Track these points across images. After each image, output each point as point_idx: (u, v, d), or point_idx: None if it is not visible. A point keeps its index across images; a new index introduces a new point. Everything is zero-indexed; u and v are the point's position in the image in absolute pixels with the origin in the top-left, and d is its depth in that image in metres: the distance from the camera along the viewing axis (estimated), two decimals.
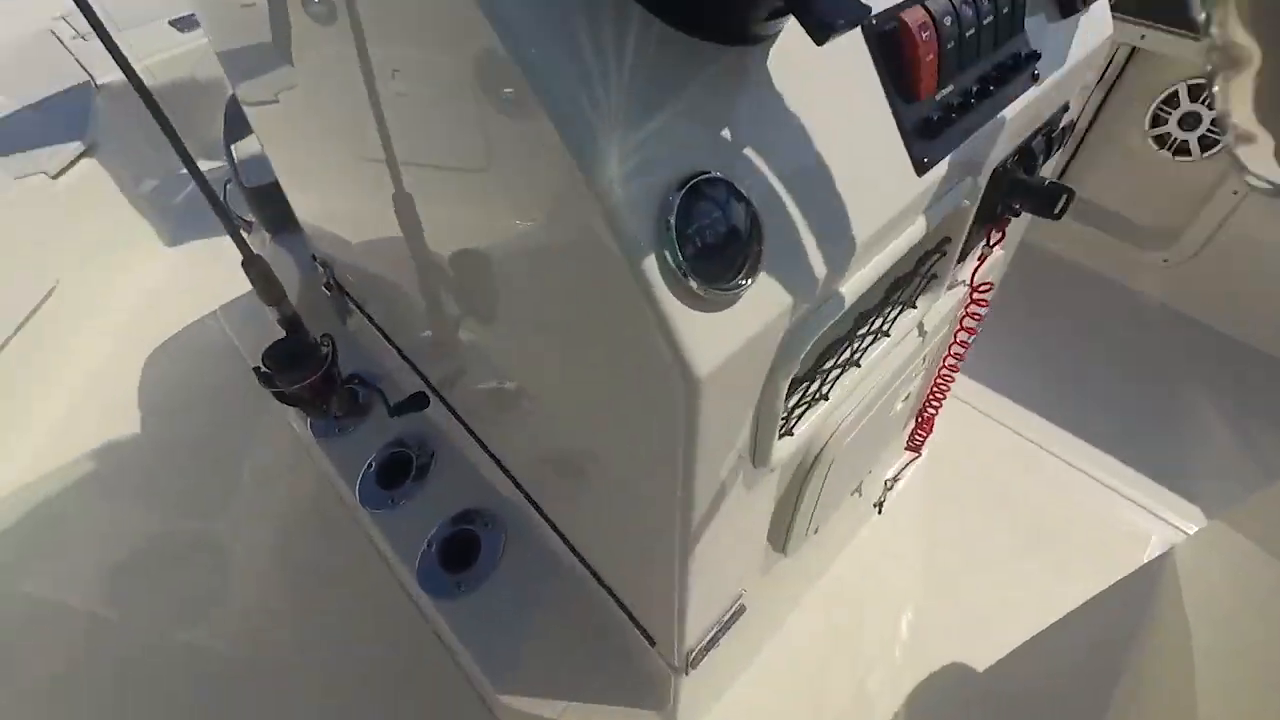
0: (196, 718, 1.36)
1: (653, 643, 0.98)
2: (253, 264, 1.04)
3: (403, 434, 1.43)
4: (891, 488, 1.45)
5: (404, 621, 1.39)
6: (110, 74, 2.53)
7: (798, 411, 0.69)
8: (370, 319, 1.41)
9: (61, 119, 2.38)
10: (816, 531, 0.97)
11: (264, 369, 1.12)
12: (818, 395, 0.71)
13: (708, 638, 0.93)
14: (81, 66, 2.52)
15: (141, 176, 2.56)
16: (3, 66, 2.45)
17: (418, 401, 1.33)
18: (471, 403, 1.12)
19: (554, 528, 1.08)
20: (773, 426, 0.62)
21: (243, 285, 1.16)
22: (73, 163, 2.26)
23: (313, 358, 1.15)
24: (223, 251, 1.21)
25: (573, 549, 1.05)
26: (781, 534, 0.89)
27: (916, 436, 1.31)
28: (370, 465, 1.41)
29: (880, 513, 1.46)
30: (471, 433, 1.20)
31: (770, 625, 1.35)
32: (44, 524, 1.77)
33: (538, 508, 1.11)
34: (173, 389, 2.05)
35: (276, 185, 1.31)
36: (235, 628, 1.49)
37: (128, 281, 2.36)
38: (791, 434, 0.69)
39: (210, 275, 2.30)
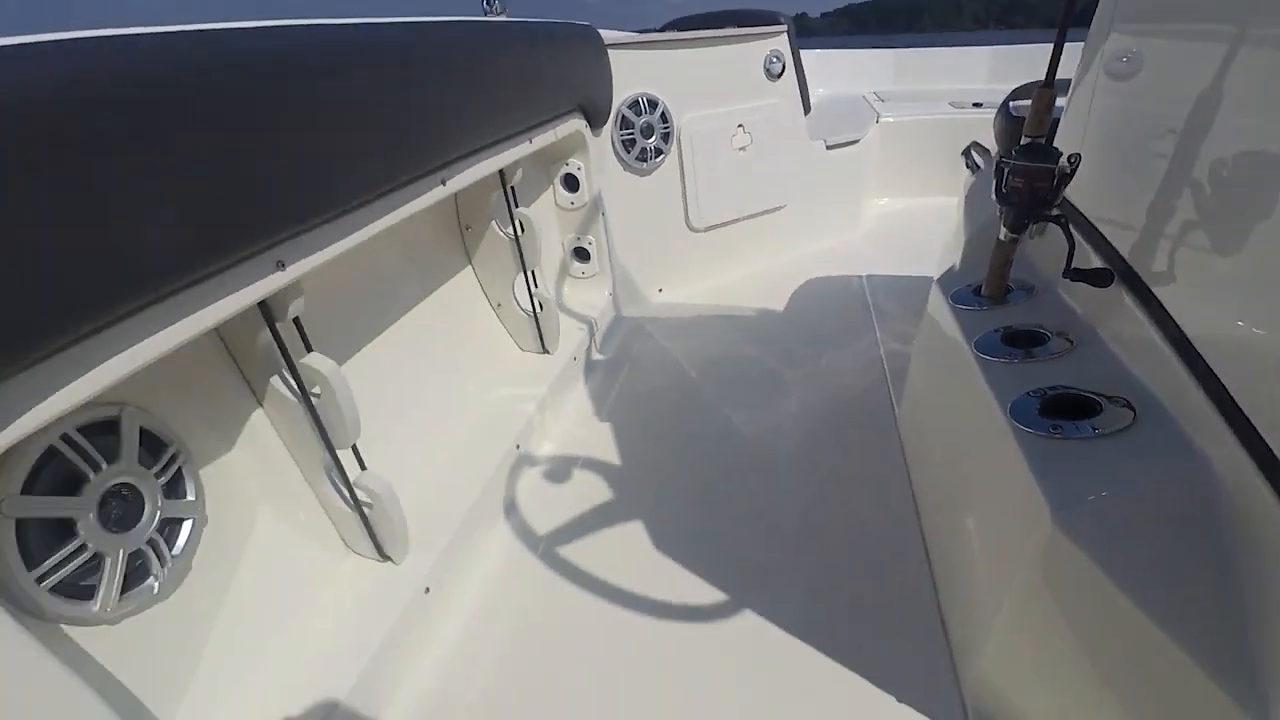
0: (703, 493, 1.63)
1: None
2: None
3: (1040, 321, 1.33)
4: None
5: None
6: None
7: None
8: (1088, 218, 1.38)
9: None
10: None
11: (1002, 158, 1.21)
12: None
13: None
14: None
15: None
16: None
17: (1100, 276, 1.22)
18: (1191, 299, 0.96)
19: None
20: None
21: None
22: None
23: (1050, 158, 1.18)
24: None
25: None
26: None
27: None
28: (998, 330, 1.35)
29: None
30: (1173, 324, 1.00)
31: None
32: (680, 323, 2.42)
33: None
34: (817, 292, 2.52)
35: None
36: (758, 424, 1.79)
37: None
38: None
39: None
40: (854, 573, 1.33)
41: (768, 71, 2.62)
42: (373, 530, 1.22)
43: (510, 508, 1.60)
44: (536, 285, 1.92)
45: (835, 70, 4.53)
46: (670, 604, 1.30)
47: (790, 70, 2.67)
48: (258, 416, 1.13)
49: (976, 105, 3.56)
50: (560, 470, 1.72)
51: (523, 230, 1.83)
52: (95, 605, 0.81)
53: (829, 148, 3.04)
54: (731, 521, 1.51)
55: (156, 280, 0.71)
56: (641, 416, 1.93)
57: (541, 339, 1.96)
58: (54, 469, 0.80)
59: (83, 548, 0.81)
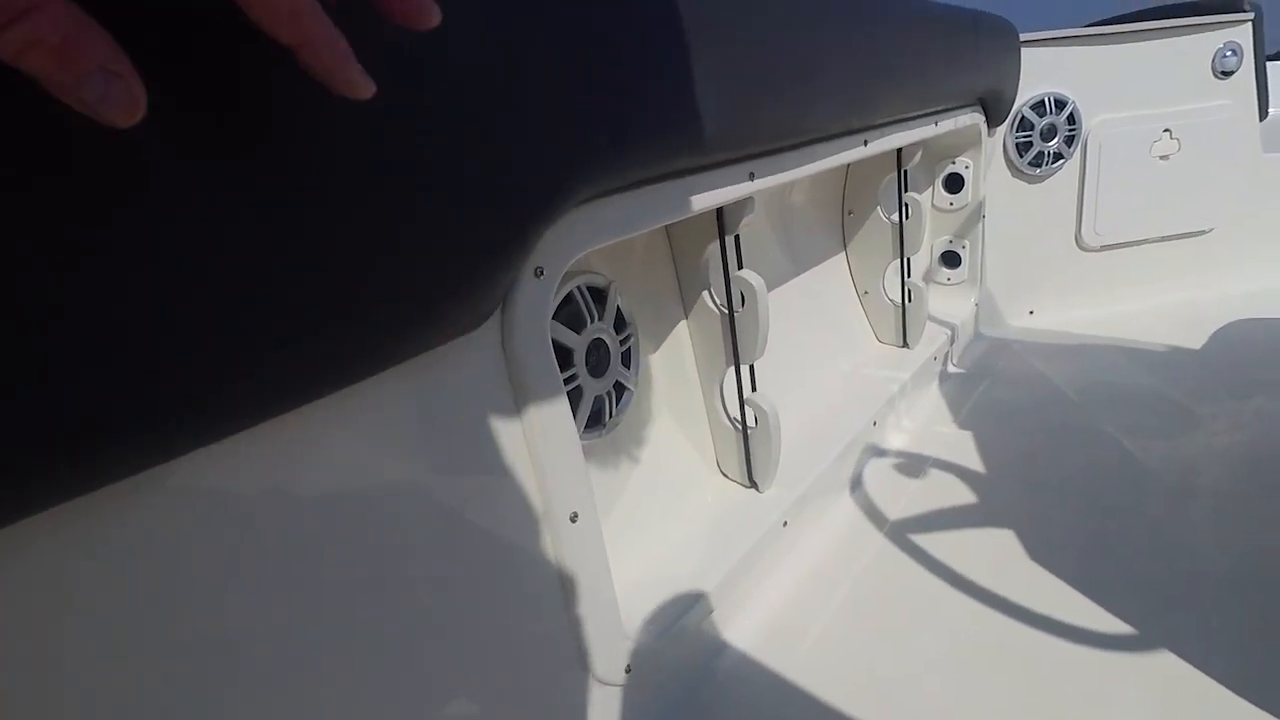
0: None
1: None
2: None
3: None
4: None
5: None
6: None
7: None
8: None
9: None
10: None
11: None
12: None
13: None
14: None
15: None
16: None
17: None
18: None
19: None
20: None
21: None
22: None
23: None
24: None
25: None
26: None
27: None
28: None
29: None
30: None
31: None
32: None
33: None
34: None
35: None
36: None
37: None
38: None
39: None
40: None
41: (1217, 68, 2.20)
42: (748, 451, 1.31)
43: (859, 480, 1.58)
44: (910, 275, 1.88)
45: None
46: (1046, 615, 1.15)
47: (1249, 66, 2.21)
48: (681, 324, 1.30)
49: None
50: (914, 459, 1.65)
51: (908, 215, 1.81)
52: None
53: None
54: (1130, 545, 1.29)
55: (691, 155, 0.87)
56: (1008, 425, 1.75)
57: (905, 331, 1.91)
58: (567, 312, 1.03)
59: (573, 376, 1.01)
